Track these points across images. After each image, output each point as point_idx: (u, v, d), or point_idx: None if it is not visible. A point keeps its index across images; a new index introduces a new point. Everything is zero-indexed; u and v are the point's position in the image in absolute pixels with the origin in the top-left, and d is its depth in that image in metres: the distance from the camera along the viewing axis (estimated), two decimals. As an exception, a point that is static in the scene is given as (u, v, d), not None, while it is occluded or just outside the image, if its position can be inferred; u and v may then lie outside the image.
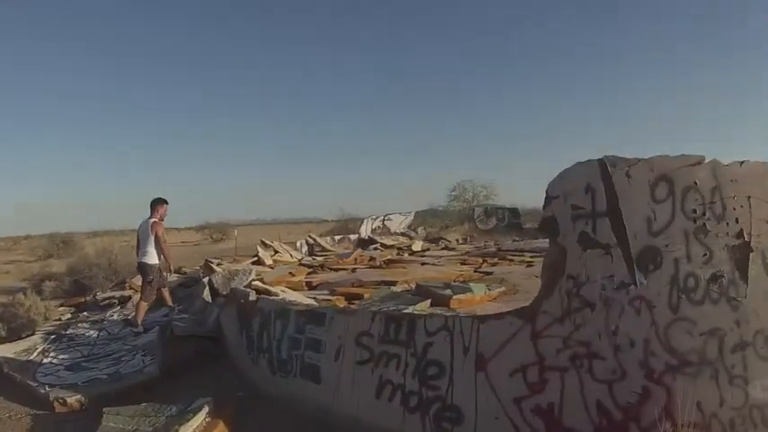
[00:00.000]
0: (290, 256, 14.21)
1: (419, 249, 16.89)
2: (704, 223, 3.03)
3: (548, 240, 3.62)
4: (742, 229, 2.97)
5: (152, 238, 7.59)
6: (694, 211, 3.07)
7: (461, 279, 8.53)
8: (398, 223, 25.38)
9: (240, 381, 5.83)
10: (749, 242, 2.95)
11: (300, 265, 12.42)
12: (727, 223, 3.00)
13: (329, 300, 6.97)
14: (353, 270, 10.26)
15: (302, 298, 6.92)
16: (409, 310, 5.64)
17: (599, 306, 3.23)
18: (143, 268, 7.74)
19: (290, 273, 10.00)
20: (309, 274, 10.39)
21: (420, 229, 25.67)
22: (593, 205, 3.38)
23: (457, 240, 22.03)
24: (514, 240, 20.55)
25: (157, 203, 7.72)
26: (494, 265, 11.15)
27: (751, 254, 2.93)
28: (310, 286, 8.64)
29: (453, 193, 32.25)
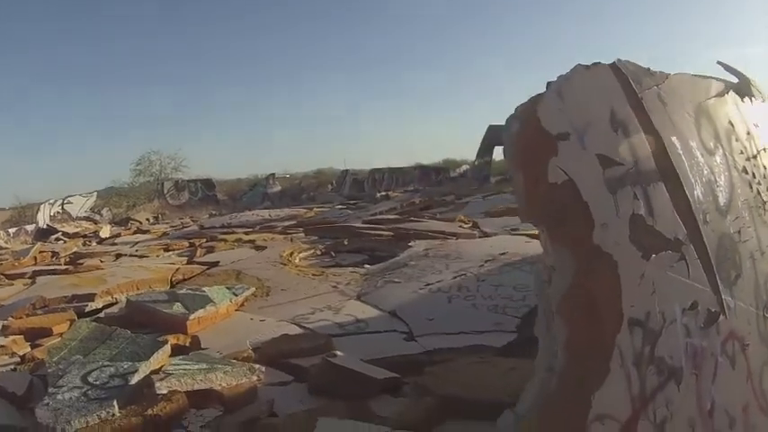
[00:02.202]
0: (-45, 261, 9.79)
1: (108, 235, 14.20)
2: (758, 190, 1.88)
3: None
4: (777, 197, 2.01)
5: None
6: (745, 170, 1.86)
7: (182, 277, 6.31)
8: (80, 206, 21.79)
9: None
10: (785, 216, 2.02)
11: (-31, 273, 8.60)
12: None
13: (2, 346, 4.15)
14: (33, 278, 7.20)
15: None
16: (140, 373, 2.47)
17: (687, 370, 1.54)
18: None
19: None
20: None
21: (105, 211, 22.41)
22: (634, 156, 1.59)
23: (148, 220, 19.60)
24: (212, 215, 19.04)
25: None
26: (209, 250, 8.49)
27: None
28: (-26, 316, 5.21)
29: (138, 168, 28.72)
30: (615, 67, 1.69)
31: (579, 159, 1.51)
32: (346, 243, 7.82)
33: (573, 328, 1.47)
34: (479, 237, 7.65)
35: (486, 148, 21.70)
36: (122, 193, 26.45)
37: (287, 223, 11.85)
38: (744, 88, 2.08)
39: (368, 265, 6.43)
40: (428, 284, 5.21)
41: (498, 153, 22.87)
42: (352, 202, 18.25)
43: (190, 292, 4.45)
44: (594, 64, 1.68)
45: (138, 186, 27.55)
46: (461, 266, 5.61)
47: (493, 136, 21.53)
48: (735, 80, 2.38)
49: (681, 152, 1.68)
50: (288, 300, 5.06)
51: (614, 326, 1.46)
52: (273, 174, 26.77)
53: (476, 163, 21.95)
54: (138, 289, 5.62)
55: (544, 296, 1.52)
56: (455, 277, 5.29)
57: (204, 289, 4.54)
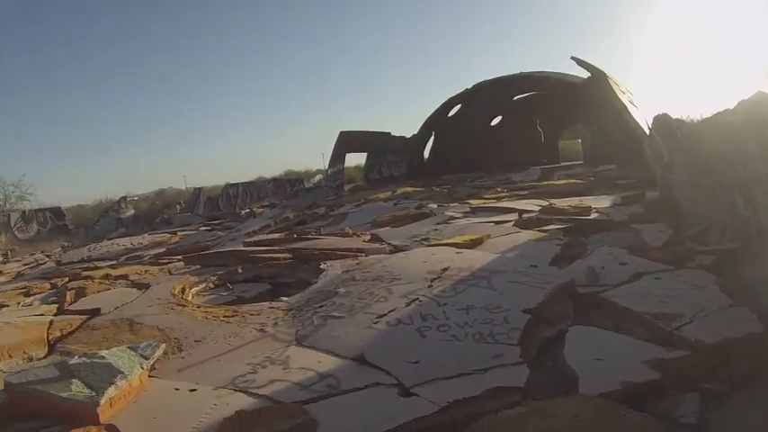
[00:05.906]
0: None
1: (-57, 284, 10.18)
2: None
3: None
4: None
5: None
6: None
7: (60, 334, 4.60)
8: None
9: None
10: None
11: None
12: None
13: None
14: None
15: None
16: None
17: None
18: None
19: None
20: None
21: (-57, 252, 17.28)
22: None
23: (-4, 259, 15.65)
24: (64, 247, 17.26)
25: None
26: (79, 293, 6.28)
27: None
28: None
29: (-26, 200, 23.80)
30: None
31: None
32: (241, 271, 6.50)
33: None
34: (390, 251, 6.99)
35: (337, 156, 21.32)
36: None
37: (154, 252, 10.44)
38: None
39: (284, 298, 5.26)
40: (381, 316, 4.29)
41: (350, 160, 22.72)
42: (215, 222, 16.66)
43: (86, 360, 3.17)
44: None
45: (-23, 220, 22.80)
46: (407, 290, 4.82)
47: (344, 143, 21.27)
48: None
49: None
50: (210, 355, 3.78)
51: None
52: (125, 197, 24.37)
53: (329, 172, 21.42)
54: (9, 357, 4.03)
55: None
56: (408, 304, 4.49)
57: (103, 353, 3.27)
